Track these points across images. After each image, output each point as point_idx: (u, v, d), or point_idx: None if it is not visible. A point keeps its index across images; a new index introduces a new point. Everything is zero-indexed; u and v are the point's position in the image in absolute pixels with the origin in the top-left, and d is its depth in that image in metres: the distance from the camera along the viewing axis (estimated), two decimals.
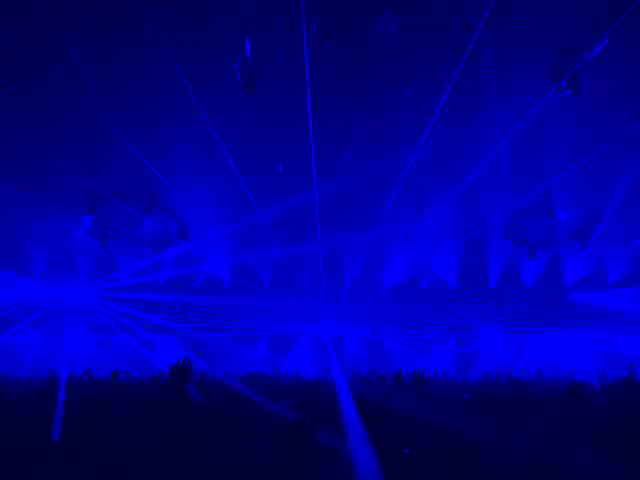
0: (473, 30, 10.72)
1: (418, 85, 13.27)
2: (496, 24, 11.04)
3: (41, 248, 18.62)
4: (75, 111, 12.37)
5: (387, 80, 13.06)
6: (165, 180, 15.64)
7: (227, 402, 7.86)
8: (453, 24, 11.47)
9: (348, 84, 13.41)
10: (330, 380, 11.78)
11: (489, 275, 21.48)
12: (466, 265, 21.11)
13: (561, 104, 13.13)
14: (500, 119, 13.48)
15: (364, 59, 12.45)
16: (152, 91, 12.69)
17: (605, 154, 13.12)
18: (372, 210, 17.78)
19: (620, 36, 10.92)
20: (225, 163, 14.13)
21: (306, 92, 11.75)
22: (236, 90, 12.89)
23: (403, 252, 20.05)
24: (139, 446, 4.93)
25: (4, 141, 12.90)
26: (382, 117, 14.69)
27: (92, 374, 13.30)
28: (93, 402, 7.32)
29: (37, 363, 18.33)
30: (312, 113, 12.27)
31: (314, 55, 11.65)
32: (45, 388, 9.80)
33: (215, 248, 20.48)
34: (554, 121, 13.65)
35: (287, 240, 18.66)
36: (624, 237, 18.31)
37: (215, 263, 21.31)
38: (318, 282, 20.38)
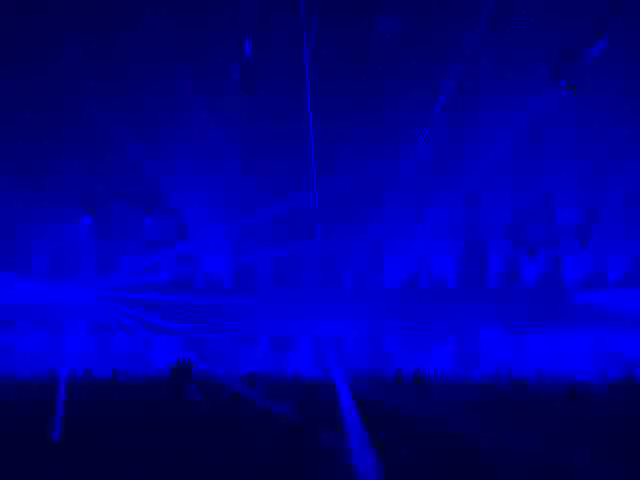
0: (474, 30, 10.72)
1: (418, 85, 13.27)
2: (496, 24, 11.04)
3: (41, 248, 18.60)
4: (75, 111, 12.37)
5: (387, 80, 13.06)
6: (165, 180, 15.64)
7: (227, 402, 7.85)
8: (453, 24, 11.47)
9: (348, 83, 13.41)
10: (330, 380, 11.77)
11: (489, 275, 21.44)
12: (466, 265, 21.07)
13: (561, 104, 13.13)
14: (500, 119, 13.48)
15: (364, 59, 12.45)
16: (152, 91, 12.68)
17: (605, 154, 13.12)
18: (372, 209, 17.77)
19: (620, 36, 10.93)
20: (225, 163, 14.14)
21: (306, 92, 11.75)
22: (236, 90, 12.89)
23: (403, 251, 20.02)
24: (138, 446, 4.93)
25: (4, 141, 12.90)
26: (382, 117, 14.69)
27: (92, 374, 13.30)
28: (93, 402, 7.32)
29: (37, 363, 18.31)
30: (312, 113, 12.27)
31: (314, 55, 11.65)
32: (45, 389, 9.79)
33: (215, 248, 20.46)
34: (554, 121, 13.65)
35: (287, 239, 18.65)
36: (624, 237, 18.30)
37: (215, 263, 21.28)
38: (318, 282, 20.36)
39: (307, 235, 17.60)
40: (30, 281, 19.80)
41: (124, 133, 13.64)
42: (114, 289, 20.92)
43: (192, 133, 14.75)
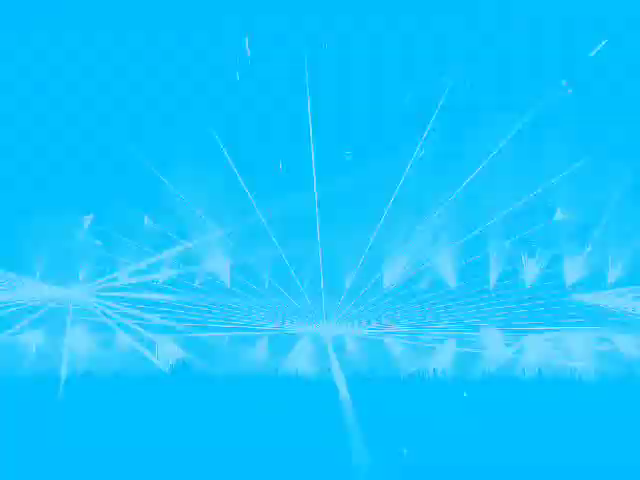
0: (473, 30, 10.74)
1: (418, 85, 13.28)
2: (496, 24, 11.05)
3: (41, 248, 18.61)
4: (74, 110, 12.38)
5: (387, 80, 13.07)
6: (165, 180, 15.65)
7: (226, 401, 7.87)
8: (452, 23, 11.48)
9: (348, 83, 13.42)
10: (330, 380, 11.80)
11: (489, 275, 21.44)
12: (466, 265, 21.08)
13: (561, 104, 13.15)
14: (500, 119, 13.50)
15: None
16: (151, 90, 12.69)
17: (605, 154, 13.12)
18: (372, 210, 17.76)
19: (620, 37, 10.94)
20: (224, 162, 14.14)
21: (306, 91, 11.76)
22: (235, 89, 12.90)
23: (403, 252, 20.03)
24: (138, 446, 4.95)
25: (4, 141, 12.92)
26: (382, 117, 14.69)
27: (92, 374, 13.33)
28: (93, 402, 7.34)
29: (37, 363, 18.34)
30: (312, 112, 12.28)
31: (314, 55, 11.67)
32: (45, 388, 9.81)
33: (215, 248, 20.45)
34: (554, 121, 13.66)
35: (287, 239, 18.66)
36: (624, 237, 18.31)
37: (215, 263, 21.27)
38: (318, 281, 20.38)
39: (307, 235, 17.60)
40: (30, 281, 19.82)
41: (124, 133, 13.64)
42: (114, 289, 20.94)
43: (191, 132, 14.76)
